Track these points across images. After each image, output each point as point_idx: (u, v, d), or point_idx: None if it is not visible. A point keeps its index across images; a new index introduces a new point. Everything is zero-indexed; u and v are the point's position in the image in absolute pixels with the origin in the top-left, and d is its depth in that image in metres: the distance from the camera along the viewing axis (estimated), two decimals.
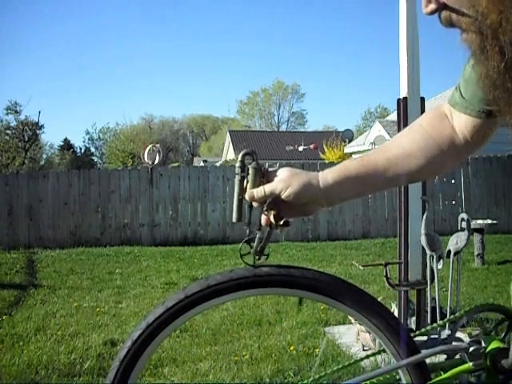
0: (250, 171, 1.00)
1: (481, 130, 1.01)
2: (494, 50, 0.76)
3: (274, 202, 0.98)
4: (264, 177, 1.00)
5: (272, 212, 0.98)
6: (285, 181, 0.97)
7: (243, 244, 0.99)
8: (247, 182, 1.00)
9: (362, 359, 1.30)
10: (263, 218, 0.99)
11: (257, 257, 1.00)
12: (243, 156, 1.02)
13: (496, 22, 0.73)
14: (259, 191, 0.98)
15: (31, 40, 75.19)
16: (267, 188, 0.98)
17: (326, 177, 0.99)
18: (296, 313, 4.46)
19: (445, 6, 0.80)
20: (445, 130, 1.04)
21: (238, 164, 1.01)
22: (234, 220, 1.01)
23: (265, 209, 0.99)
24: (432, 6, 0.81)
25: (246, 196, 0.99)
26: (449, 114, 1.05)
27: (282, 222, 0.99)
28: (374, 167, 1.00)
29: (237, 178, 1.01)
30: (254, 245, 0.99)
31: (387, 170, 1.01)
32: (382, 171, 1.01)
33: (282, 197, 0.97)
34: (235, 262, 7.57)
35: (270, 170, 1.01)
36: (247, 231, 1.00)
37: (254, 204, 1.00)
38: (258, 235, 0.99)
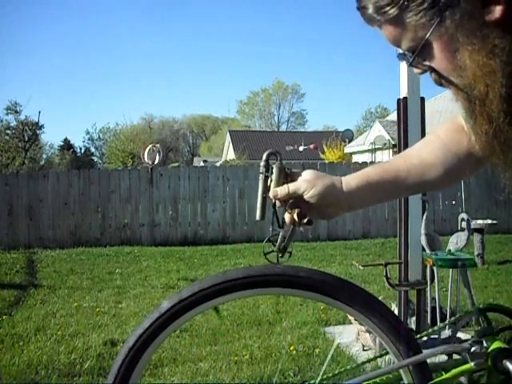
0: (275, 170, 1.01)
1: None
2: (483, 117, 0.78)
3: (295, 201, 1.00)
4: (287, 177, 1.02)
5: (296, 210, 1.00)
6: (309, 181, 0.99)
7: (267, 242, 1.01)
8: (271, 180, 1.02)
9: (368, 361, 1.29)
10: (287, 216, 1.01)
11: (280, 254, 1.01)
12: (268, 155, 1.04)
13: (483, 94, 0.76)
14: (283, 189, 1.00)
15: (31, 40, 75.30)
16: (291, 187, 0.99)
17: (348, 181, 1.01)
18: (296, 313, 4.46)
19: (433, 70, 0.83)
20: (462, 142, 1.05)
21: (262, 163, 1.03)
22: (257, 218, 1.02)
23: (287, 207, 1.00)
24: (419, 70, 0.85)
25: (270, 194, 1.01)
26: (465, 127, 1.07)
27: (305, 221, 1.00)
28: (395, 176, 1.03)
29: (261, 177, 1.03)
30: (278, 242, 1.01)
31: (407, 179, 1.03)
32: (402, 180, 1.03)
33: (306, 197, 0.98)
34: (235, 261, 7.58)
35: (294, 171, 1.03)
36: (270, 229, 1.01)
37: (277, 203, 1.01)
38: (281, 233, 1.01)
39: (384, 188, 1.03)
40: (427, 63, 0.83)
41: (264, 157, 1.04)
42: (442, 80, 0.83)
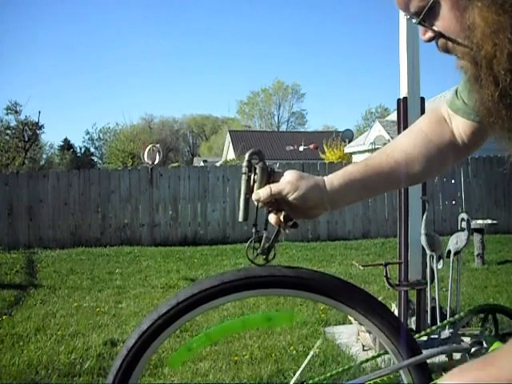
0: (258, 171, 0.99)
1: (479, 133, 1.03)
2: (489, 80, 0.77)
3: (277, 202, 0.98)
4: (270, 177, 0.99)
5: (282, 212, 0.98)
6: (293, 183, 0.97)
7: (250, 243, 0.98)
8: (253, 181, 0.99)
9: (366, 360, 1.29)
10: (273, 217, 0.99)
11: (263, 256, 0.99)
12: (250, 155, 1.01)
13: (490, 54, 0.75)
14: (265, 192, 0.97)
15: (31, 40, 75.25)
16: (274, 188, 0.97)
17: (331, 181, 1.00)
18: (296, 313, 4.46)
19: (441, 35, 0.82)
20: (444, 134, 1.06)
21: (244, 163, 1.00)
22: (240, 219, 1.00)
23: (270, 209, 0.98)
24: (429, 34, 0.84)
25: (253, 196, 0.98)
26: (447, 118, 1.07)
27: (290, 224, 0.99)
28: (378, 172, 1.02)
29: (243, 178, 1.00)
30: (261, 244, 0.98)
31: (390, 174, 1.03)
32: (385, 176, 1.03)
33: (290, 199, 0.97)
34: (235, 261, 7.57)
35: (277, 170, 1.01)
36: (253, 230, 0.98)
37: (259, 204, 0.99)
38: (264, 235, 0.99)
39: (367, 186, 1.02)
40: (435, 28, 0.82)
41: (246, 156, 1.01)
42: (448, 44, 0.82)
